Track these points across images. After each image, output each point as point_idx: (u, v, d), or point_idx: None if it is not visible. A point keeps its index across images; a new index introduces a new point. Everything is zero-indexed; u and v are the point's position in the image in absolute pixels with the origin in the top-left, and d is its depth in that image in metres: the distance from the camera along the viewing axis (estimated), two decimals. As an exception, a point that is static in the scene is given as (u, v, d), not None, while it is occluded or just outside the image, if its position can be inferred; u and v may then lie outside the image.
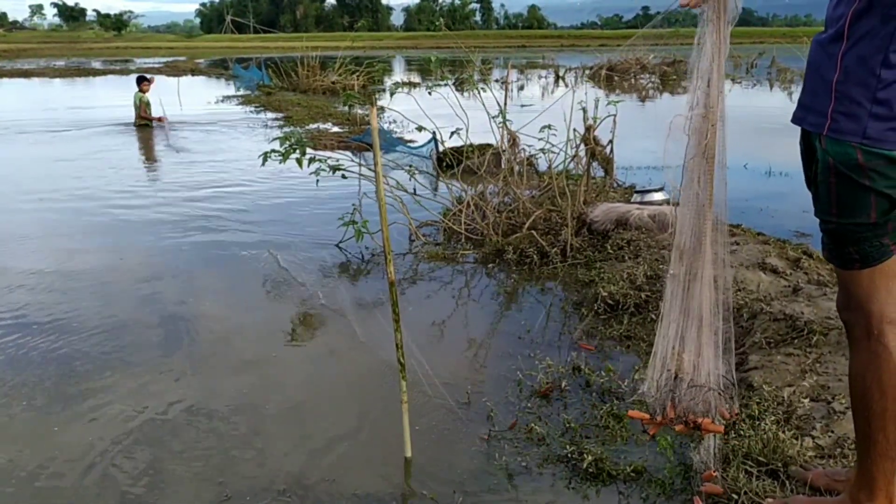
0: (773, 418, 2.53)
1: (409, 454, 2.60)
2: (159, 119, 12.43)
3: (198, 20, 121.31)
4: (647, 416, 2.15)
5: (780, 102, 16.27)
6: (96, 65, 36.79)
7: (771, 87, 20.74)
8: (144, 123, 12.31)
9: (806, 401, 2.64)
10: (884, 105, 1.66)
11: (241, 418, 2.94)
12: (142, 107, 12.32)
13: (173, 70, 29.18)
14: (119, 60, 42.62)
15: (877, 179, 1.70)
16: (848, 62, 1.70)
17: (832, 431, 2.46)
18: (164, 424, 2.89)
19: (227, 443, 2.75)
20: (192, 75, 28.54)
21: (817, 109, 1.77)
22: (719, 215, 2.01)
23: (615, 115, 5.97)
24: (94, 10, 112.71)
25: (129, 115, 12.61)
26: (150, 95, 12.44)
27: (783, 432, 2.42)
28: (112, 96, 17.85)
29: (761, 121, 11.68)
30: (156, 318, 4.02)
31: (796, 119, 1.86)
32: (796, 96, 1.88)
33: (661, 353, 2.12)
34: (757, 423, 2.53)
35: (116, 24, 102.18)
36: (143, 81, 12.43)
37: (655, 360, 2.13)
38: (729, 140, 1.97)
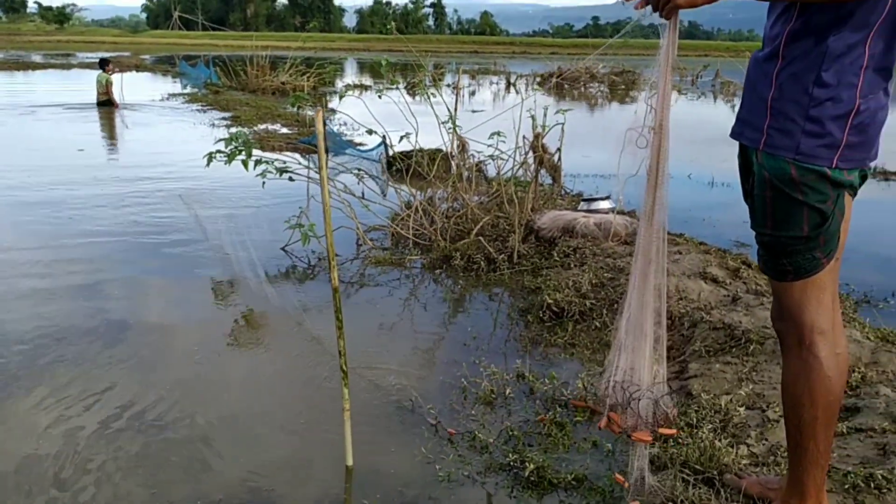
0: (710, 426, 2.58)
1: (350, 462, 2.57)
2: (115, 104, 13.83)
3: (144, 15, 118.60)
4: (587, 404, 2.18)
5: (723, 114, 16.68)
6: (37, 58, 35.64)
7: (715, 98, 21.26)
8: (106, 101, 13.81)
9: (742, 409, 2.70)
10: (816, 122, 1.71)
11: (180, 424, 2.87)
12: (107, 86, 13.83)
13: (117, 65, 28.29)
14: (60, 54, 41.37)
15: (809, 194, 1.75)
16: (782, 80, 1.75)
17: (766, 439, 2.52)
18: (98, 430, 2.79)
19: (163, 450, 2.68)
20: (137, 71, 27.86)
21: (754, 125, 1.81)
22: (661, 224, 2.04)
23: (563, 124, 6.03)
24: (36, 2, 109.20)
25: (79, 98, 14.59)
26: (113, 77, 14.13)
27: (719, 440, 2.47)
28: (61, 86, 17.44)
29: (705, 132, 11.93)
30: (94, 320, 3.91)
31: (734, 134, 1.91)
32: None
33: (612, 357, 2.15)
34: (695, 431, 2.58)
35: (59, 16, 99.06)
36: (106, 64, 14.23)
37: (608, 362, 2.16)
38: (674, 151, 2.00)
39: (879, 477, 2.18)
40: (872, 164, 1.86)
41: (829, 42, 1.68)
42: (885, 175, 8.50)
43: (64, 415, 2.91)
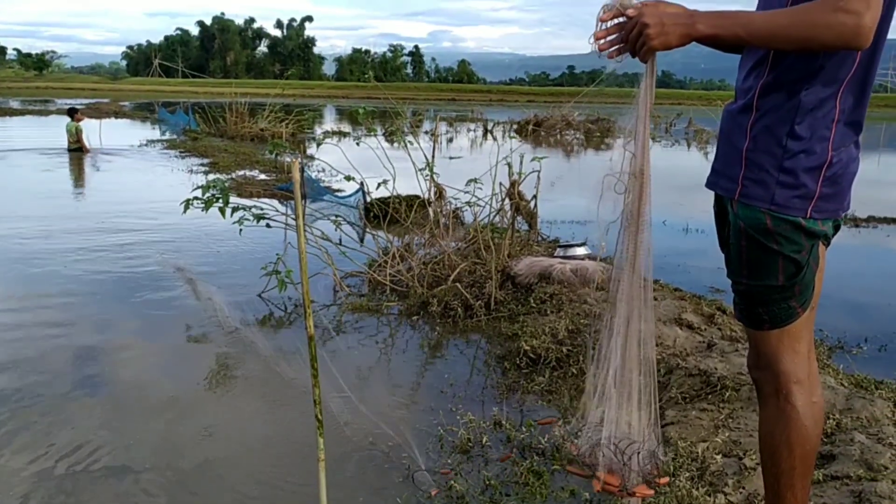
0: (687, 475, 2.57)
1: (325, 515, 2.51)
2: (85, 150, 14.20)
3: (124, 62, 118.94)
4: (585, 472, 2.12)
5: (697, 161, 16.97)
6: (14, 104, 35.57)
7: (688, 146, 21.64)
8: (77, 148, 14.19)
9: (719, 457, 2.69)
10: (790, 174, 1.74)
11: (153, 474, 2.79)
12: (77, 134, 14.26)
13: (95, 112, 28.32)
14: (39, 100, 41.36)
15: (784, 244, 1.77)
16: (757, 132, 1.78)
17: (743, 488, 2.50)
18: (68, 475, 2.72)
19: (134, 496, 2.61)
20: (116, 118, 27.87)
21: (729, 175, 1.84)
22: (644, 272, 2.04)
23: (539, 171, 6.10)
24: (15, 49, 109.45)
25: (54, 143, 14.72)
26: (82, 125, 14.59)
27: (697, 489, 2.45)
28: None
29: (680, 179, 12.12)
30: (69, 367, 3.86)
31: (710, 184, 1.93)
32: (712, 156, 1.94)
33: (590, 409, 2.11)
34: (672, 479, 2.56)
35: (38, 63, 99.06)
36: (75, 112, 14.80)
37: (586, 416, 2.12)
38: (651, 197, 2.02)
39: (857, 525, 2.17)
40: (844, 214, 1.89)
41: (801, 96, 1.72)
42: (856, 222, 8.65)
43: (34, 463, 2.83)
